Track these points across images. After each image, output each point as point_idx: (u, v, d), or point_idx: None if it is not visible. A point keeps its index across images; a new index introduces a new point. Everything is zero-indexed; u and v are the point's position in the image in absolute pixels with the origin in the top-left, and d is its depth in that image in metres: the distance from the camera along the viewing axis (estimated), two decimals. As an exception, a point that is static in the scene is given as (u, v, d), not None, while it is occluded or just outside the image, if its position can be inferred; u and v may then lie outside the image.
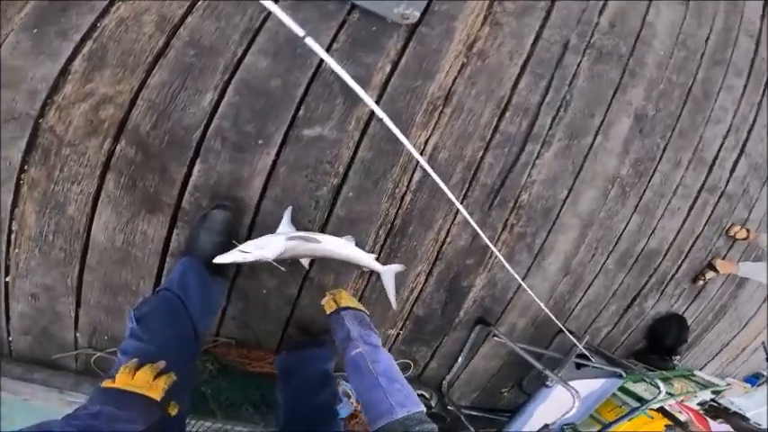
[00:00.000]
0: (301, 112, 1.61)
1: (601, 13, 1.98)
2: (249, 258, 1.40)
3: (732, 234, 2.86)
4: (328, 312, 1.48)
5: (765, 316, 3.58)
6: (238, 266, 1.73)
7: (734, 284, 3.21)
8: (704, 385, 2.90)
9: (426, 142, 1.81)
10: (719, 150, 2.58)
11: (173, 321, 1.30)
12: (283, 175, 1.65)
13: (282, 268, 1.52)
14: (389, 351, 2.17)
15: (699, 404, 3.00)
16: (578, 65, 1.98)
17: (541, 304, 1.83)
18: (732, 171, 2.68)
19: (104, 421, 0.90)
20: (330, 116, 1.65)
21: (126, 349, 1.16)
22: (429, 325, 2.20)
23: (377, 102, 1.67)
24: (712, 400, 3.08)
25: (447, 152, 1.85)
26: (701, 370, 3.45)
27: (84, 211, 1.51)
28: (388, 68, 1.69)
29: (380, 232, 1.86)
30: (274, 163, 1.63)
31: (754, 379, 4.07)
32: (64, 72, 1.38)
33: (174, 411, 1.06)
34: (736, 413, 3.07)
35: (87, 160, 1.46)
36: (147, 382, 1.02)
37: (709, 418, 2.89)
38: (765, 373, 3.89)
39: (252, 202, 1.65)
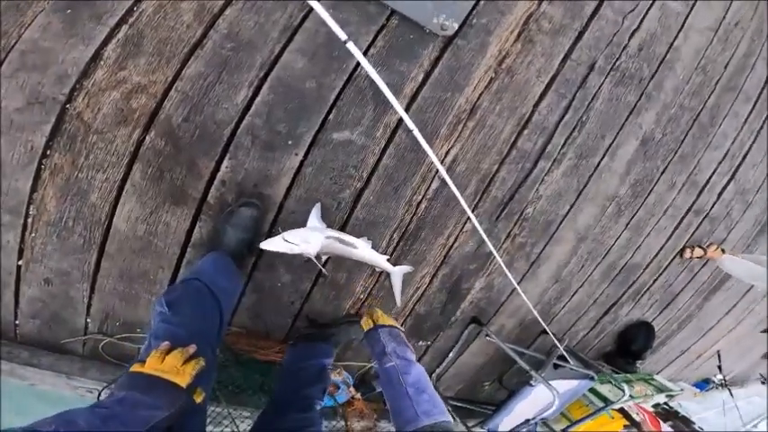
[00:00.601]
0: (332, 116, 1.59)
1: (632, 35, 1.98)
2: (295, 250, 1.41)
3: (688, 256, 2.96)
4: (366, 330, 1.54)
5: (723, 327, 3.85)
6: (257, 260, 1.74)
7: (701, 297, 3.43)
8: (661, 389, 3.09)
9: (447, 153, 1.82)
10: (712, 175, 2.68)
11: (202, 309, 1.29)
12: (309, 176, 1.64)
13: (325, 271, 1.59)
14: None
15: (653, 406, 3.23)
16: (600, 86, 2.00)
17: (534, 310, 1.93)
18: (720, 195, 2.81)
19: (128, 407, 0.90)
20: (360, 122, 1.63)
21: (157, 333, 1.15)
22: (428, 322, 2.28)
23: (405, 111, 1.66)
24: (665, 403, 3.32)
25: (465, 164, 1.87)
26: (658, 373, 3.71)
27: (107, 199, 1.46)
28: (420, 78, 1.67)
29: (395, 235, 1.90)
30: (301, 164, 1.61)
31: (703, 384, 4.39)
32: (96, 57, 1.31)
33: (199, 398, 1.06)
34: (684, 417, 3.32)
35: (115, 149, 1.41)
36: (175, 367, 1.01)
37: (660, 420, 3.13)
38: (715, 380, 4.21)
39: (276, 201, 1.64)
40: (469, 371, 2.68)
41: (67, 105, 1.33)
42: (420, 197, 1.86)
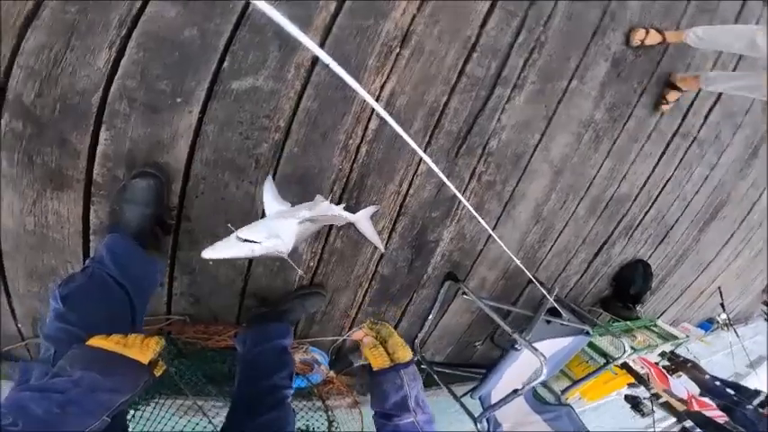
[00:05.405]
0: (227, 63, 1.22)
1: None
2: (257, 251, 1.01)
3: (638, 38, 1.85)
4: (376, 368, 0.96)
5: (723, 260, 3.36)
6: (175, 237, 1.39)
7: (697, 229, 2.99)
8: (665, 337, 2.67)
9: (382, 88, 1.44)
10: (695, 98, 2.25)
11: (105, 300, 1.03)
12: (213, 134, 1.28)
13: (301, 271, 1.38)
14: (356, 315, 1.93)
15: (659, 355, 2.78)
16: (555, 3, 1.59)
17: (512, 255, 1.52)
18: (706, 117, 2.37)
19: (86, 389, 0.72)
20: (264, 65, 1.26)
21: (49, 334, 0.92)
22: (396, 284, 1.91)
23: (320, 46, 1.28)
24: (671, 351, 2.84)
25: (406, 98, 1.49)
26: (660, 316, 3.27)
27: (-19, 196, 1.16)
28: (332, 7, 1.29)
29: (335, 188, 1.53)
30: (200, 121, 1.26)
31: (707, 324, 3.80)
32: None
33: (160, 371, 0.86)
34: (695, 365, 2.83)
35: (-31, 143, 1.09)
36: (139, 342, 0.83)
37: (668, 374, 2.66)
38: (719, 319, 3.62)
39: (179, 167, 1.29)
40: (455, 332, 2.32)
41: None
42: (358, 140, 1.48)
